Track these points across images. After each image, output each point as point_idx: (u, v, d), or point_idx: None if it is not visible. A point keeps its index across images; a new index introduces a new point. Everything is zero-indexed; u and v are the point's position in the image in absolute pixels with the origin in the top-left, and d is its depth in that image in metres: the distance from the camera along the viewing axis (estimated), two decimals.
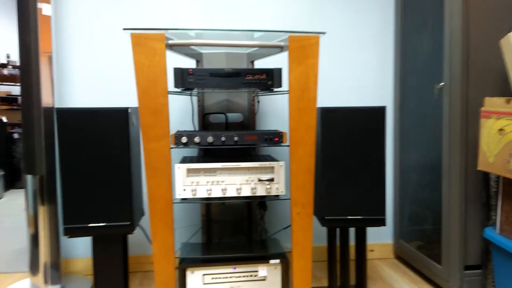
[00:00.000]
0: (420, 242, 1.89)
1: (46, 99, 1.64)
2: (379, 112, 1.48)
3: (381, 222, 1.51)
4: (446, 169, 1.62)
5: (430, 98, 1.75)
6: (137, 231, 1.98)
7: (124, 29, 1.34)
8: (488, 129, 1.35)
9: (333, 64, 2.06)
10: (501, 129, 1.29)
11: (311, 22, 2.03)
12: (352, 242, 2.00)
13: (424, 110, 1.81)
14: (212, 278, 1.54)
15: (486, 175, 1.51)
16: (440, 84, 1.65)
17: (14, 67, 4.76)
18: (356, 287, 1.64)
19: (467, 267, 1.57)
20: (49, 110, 1.66)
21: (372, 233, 2.15)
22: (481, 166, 1.39)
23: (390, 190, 2.13)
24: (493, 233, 1.40)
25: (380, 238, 2.16)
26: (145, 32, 1.33)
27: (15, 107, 4.57)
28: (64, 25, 1.90)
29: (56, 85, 1.91)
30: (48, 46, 1.64)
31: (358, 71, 2.08)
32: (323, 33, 1.41)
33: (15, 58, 5.15)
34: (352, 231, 2.00)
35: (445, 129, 1.62)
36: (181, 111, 1.98)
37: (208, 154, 1.80)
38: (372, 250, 2.15)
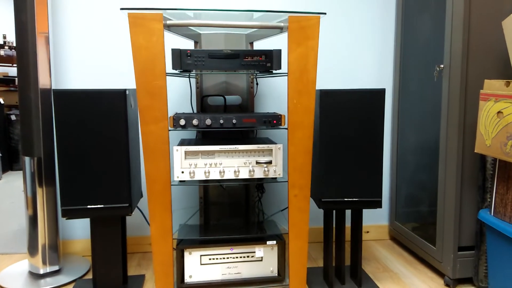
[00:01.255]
0: (415, 224, 1.91)
1: (43, 80, 1.63)
2: (378, 94, 1.48)
3: (377, 204, 1.52)
4: (443, 152, 1.63)
5: (430, 81, 1.75)
6: (136, 212, 2.00)
7: (122, 8, 1.32)
8: (487, 111, 1.35)
9: (333, 46, 2.05)
10: (499, 112, 1.30)
11: (312, 3, 2.01)
12: (348, 223, 2.02)
13: (424, 93, 1.81)
14: (210, 259, 1.56)
15: (483, 158, 1.52)
16: (440, 66, 1.65)
17: (11, 48, 4.70)
18: (351, 267, 1.67)
19: (461, 248, 1.60)
20: (47, 92, 1.65)
21: (368, 214, 2.17)
22: (478, 149, 1.40)
23: (387, 173, 2.15)
24: (487, 215, 1.42)
25: (376, 220, 2.18)
26: (143, 12, 1.32)
27: (12, 88, 4.53)
28: (61, 5, 1.87)
29: (53, 66, 1.89)
30: (44, 27, 1.62)
31: (358, 53, 2.07)
32: (324, 13, 1.39)
33: (12, 38, 5.08)
34: (348, 212, 2.02)
35: (443, 111, 1.62)
36: (179, 93, 1.97)
37: (207, 136, 1.80)
38: (367, 232, 2.17)
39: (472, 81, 1.53)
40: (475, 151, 1.41)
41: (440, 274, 1.75)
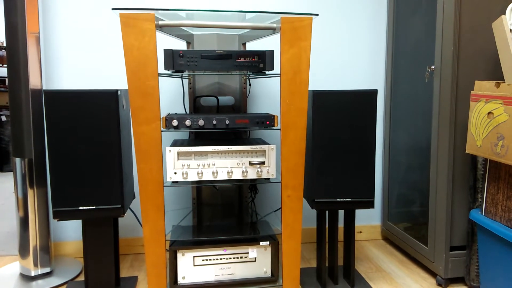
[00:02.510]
0: (408, 224, 1.92)
1: (34, 81, 1.62)
2: (371, 95, 1.49)
3: (369, 205, 1.53)
4: (434, 152, 1.64)
5: (421, 82, 1.76)
6: (128, 213, 1.99)
7: (113, 9, 1.32)
8: (477, 112, 1.36)
9: (325, 47, 2.06)
10: (490, 113, 1.31)
11: (304, 4, 2.01)
12: (341, 224, 2.03)
13: (415, 94, 1.82)
14: (203, 260, 1.56)
15: (474, 158, 1.54)
16: (431, 67, 1.66)
17: (1, 48, 4.65)
18: (344, 267, 1.68)
19: (452, 248, 1.61)
20: (37, 92, 1.63)
21: (361, 215, 2.18)
22: (469, 149, 1.41)
23: (379, 173, 2.16)
24: (479, 215, 1.43)
25: (369, 220, 2.19)
26: (135, 12, 1.31)
27: (2, 89, 4.48)
28: (52, 5, 1.85)
29: (44, 66, 1.87)
30: (35, 27, 1.60)
31: (350, 54, 2.07)
32: (316, 14, 1.40)
33: (2, 38, 5.03)
34: (341, 213, 2.02)
35: (434, 112, 1.63)
36: (171, 93, 1.97)
37: (199, 137, 1.79)
38: (360, 232, 2.18)
39: (463, 82, 1.54)
40: (466, 151, 1.42)
41: (432, 274, 1.76)
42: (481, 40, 1.53)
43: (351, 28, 2.06)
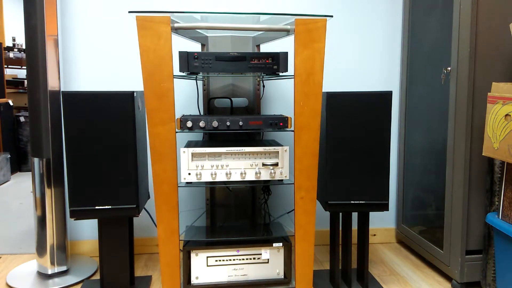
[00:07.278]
0: (423, 227, 1.90)
1: (52, 82, 1.65)
2: (385, 97, 1.48)
3: (384, 207, 1.52)
4: (450, 155, 1.62)
5: (437, 83, 1.74)
6: (143, 213, 2.01)
7: (130, 12, 1.34)
8: (494, 114, 1.34)
9: (340, 48, 2.05)
10: (507, 115, 1.29)
11: (318, 5, 2.01)
12: (354, 226, 2.01)
13: (431, 95, 1.80)
14: (216, 261, 1.56)
15: (490, 161, 1.51)
16: (448, 69, 1.64)
17: (20, 50, 4.75)
18: (357, 270, 1.67)
19: (468, 252, 1.59)
20: (55, 93, 1.67)
21: (375, 217, 2.16)
22: (486, 152, 1.39)
23: (394, 175, 2.14)
24: (495, 219, 1.41)
25: (383, 223, 2.18)
26: (151, 15, 1.33)
27: (21, 90, 4.58)
28: (70, 8, 1.89)
29: (62, 68, 1.91)
30: (54, 29, 1.64)
31: (365, 56, 2.06)
32: (330, 16, 1.40)
33: (21, 40, 5.14)
34: (355, 215, 2.01)
35: (451, 114, 1.61)
36: (186, 95, 1.99)
37: (213, 138, 1.81)
38: (374, 235, 2.17)
39: (480, 84, 1.52)
40: (483, 154, 1.40)
41: (448, 278, 1.74)
42: (498, 41, 1.51)
43: (365, 29, 2.05)
